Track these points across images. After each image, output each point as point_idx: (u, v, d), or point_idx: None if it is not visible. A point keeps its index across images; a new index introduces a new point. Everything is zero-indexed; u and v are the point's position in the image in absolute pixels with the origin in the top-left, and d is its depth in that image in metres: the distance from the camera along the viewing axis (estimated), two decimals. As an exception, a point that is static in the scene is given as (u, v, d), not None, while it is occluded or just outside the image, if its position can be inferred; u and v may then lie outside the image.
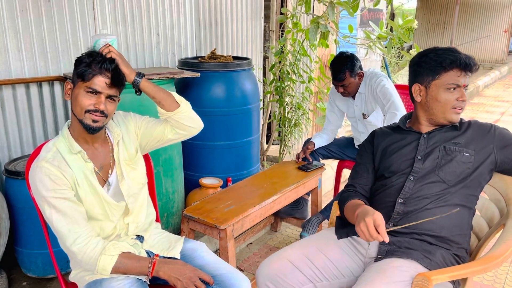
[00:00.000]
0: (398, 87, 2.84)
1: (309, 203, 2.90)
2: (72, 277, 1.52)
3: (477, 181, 1.55)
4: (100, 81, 1.38)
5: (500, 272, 2.53)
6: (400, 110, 2.51)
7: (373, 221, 1.34)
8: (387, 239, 1.33)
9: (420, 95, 1.63)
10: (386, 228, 1.36)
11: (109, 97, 1.42)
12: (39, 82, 2.38)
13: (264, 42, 4.19)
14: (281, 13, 3.74)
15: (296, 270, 1.53)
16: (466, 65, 1.53)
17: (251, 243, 2.85)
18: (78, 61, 1.40)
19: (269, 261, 1.57)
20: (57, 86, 2.47)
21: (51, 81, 2.43)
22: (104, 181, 1.50)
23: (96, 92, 1.39)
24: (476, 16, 13.73)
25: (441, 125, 1.63)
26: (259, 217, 2.23)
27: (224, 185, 2.71)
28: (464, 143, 1.56)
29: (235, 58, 2.99)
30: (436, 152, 1.58)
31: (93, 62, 1.38)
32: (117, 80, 1.41)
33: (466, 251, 1.55)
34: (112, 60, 1.42)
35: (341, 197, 1.71)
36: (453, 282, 1.47)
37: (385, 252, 1.52)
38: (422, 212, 1.52)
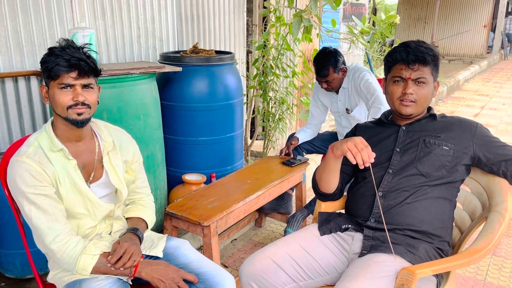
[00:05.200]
0: (380, 81, 2.85)
1: (294, 198, 2.89)
2: (50, 278, 1.48)
3: (456, 175, 1.55)
4: (69, 74, 1.34)
5: (482, 264, 2.57)
6: (384, 105, 2.51)
7: (360, 140, 1.40)
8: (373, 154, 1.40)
9: (384, 90, 1.67)
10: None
11: (85, 86, 1.38)
12: (14, 77, 2.30)
13: (247, 36, 4.16)
14: (264, 7, 3.70)
15: (279, 269, 1.52)
16: (405, 59, 1.54)
17: (235, 239, 2.83)
18: (43, 63, 1.37)
19: (252, 259, 1.55)
20: (34, 81, 2.39)
21: (27, 76, 2.35)
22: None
23: (69, 86, 1.35)
24: (456, 11, 13.93)
25: (417, 118, 1.64)
26: (243, 213, 2.21)
27: (208, 181, 2.68)
28: (444, 137, 1.57)
29: (217, 52, 2.95)
30: (416, 145, 1.58)
31: (57, 59, 1.33)
32: (86, 69, 1.36)
33: (449, 244, 1.56)
34: (76, 52, 1.37)
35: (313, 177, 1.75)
36: (436, 275, 1.48)
37: (369, 247, 1.52)
38: (402, 206, 1.52)
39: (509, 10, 18.63)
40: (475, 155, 1.55)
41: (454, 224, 1.64)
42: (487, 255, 2.63)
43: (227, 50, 3.75)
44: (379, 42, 9.14)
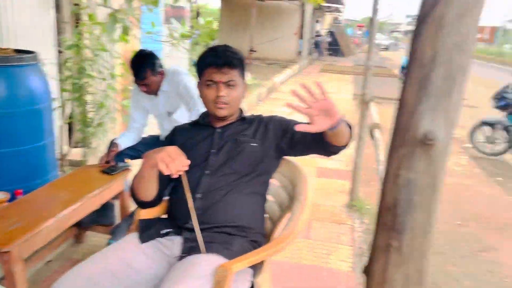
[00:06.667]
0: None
1: (117, 208, 2.74)
2: None
3: (266, 169, 1.69)
4: None
5: (295, 248, 2.85)
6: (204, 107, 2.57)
7: (173, 150, 1.39)
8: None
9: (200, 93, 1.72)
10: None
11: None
12: None
13: (59, 34, 3.76)
14: (75, 4, 3.41)
15: (95, 286, 1.40)
16: (215, 63, 1.62)
17: (50, 260, 2.53)
18: None
19: (63, 282, 1.39)
20: None
21: None
22: None
23: None
24: (271, 19, 15.36)
25: (230, 121, 1.72)
26: (55, 231, 1.98)
27: (12, 199, 2.32)
28: (251, 135, 1.69)
29: (18, 51, 2.59)
30: (229, 145, 1.67)
31: None
32: None
33: (263, 235, 1.68)
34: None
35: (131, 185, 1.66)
36: (252, 266, 1.57)
37: (189, 249, 1.52)
38: (219, 205, 1.57)
39: (317, 20, 21.33)
40: (279, 145, 1.68)
41: (268, 216, 1.78)
42: (296, 240, 2.93)
43: (31, 49, 3.33)
44: (204, 45, 9.42)
